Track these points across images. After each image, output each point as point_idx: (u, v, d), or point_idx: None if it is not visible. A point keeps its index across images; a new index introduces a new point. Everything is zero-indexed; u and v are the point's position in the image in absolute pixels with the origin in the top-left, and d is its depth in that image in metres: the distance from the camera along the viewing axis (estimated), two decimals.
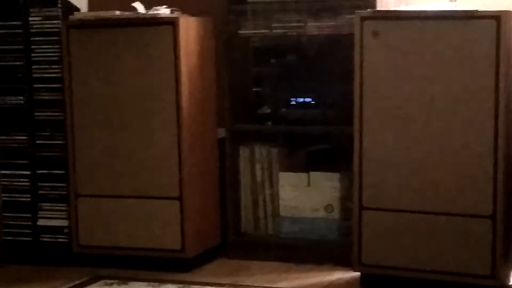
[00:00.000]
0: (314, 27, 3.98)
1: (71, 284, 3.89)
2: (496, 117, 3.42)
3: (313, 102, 4.08)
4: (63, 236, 4.15)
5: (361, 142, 3.63)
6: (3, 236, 4.24)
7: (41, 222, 4.17)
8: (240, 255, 4.18)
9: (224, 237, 4.24)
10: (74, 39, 4.01)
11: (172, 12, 3.99)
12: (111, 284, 3.87)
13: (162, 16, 3.93)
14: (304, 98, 4.08)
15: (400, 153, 3.58)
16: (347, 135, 3.73)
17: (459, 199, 3.50)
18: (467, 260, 3.50)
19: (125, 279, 3.91)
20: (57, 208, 4.15)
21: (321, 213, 4.08)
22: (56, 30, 4.05)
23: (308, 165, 4.14)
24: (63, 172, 4.11)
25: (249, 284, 3.83)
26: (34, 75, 4.10)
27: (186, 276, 3.94)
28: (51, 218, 4.16)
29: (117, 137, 4.01)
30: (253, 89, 4.25)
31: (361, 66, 3.60)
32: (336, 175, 4.04)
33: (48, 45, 4.07)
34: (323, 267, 4.01)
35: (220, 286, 3.81)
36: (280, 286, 3.79)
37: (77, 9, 4.12)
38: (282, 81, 4.15)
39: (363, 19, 3.59)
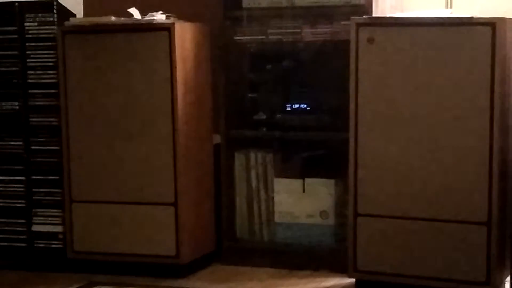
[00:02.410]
0: (310, 33, 3.99)
1: None
2: (491, 123, 3.43)
3: (308, 108, 4.08)
4: (58, 242, 4.14)
5: (356, 149, 3.64)
6: None
7: (35, 228, 4.16)
8: (235, 261, 4.17)
9: (219, 243, 4.24)
10: (70, 44, 4.01)
11: (167, 18, 3.99)
12: None
13: (158, 22, 3.93)
14: (299, 104, 4.09)
15: (395, 159, 3.58)
16: (342, 141, 3.73)
17: (454, 206, 3.50)
18: (463, 266, 3.51)
19: (120, 285, 3.90)
20: (51, 214, 4.13)
21: (316, 219, 4.07)
22: (52, 35, 4.04)
23: (303, 171, 4.13)
24: (58, 178, 4.10)
25: None
26: (30, 81, 4.10)
27: (181, 282, 3.94)
28: (46, 224, 4.15)
29: (112, 143, 4.00)
30: (249, 95, 4.24)
31: (356, 72, 3.61)
32: (331, 182, 4.04)
33: (44, 50, 4.06)
34: (318, 273, 4.01)
35: None
36: None
37: (73, 15, 4.12)
38: (277, 87, 4.15)
39: (359, 25, 3.60)
